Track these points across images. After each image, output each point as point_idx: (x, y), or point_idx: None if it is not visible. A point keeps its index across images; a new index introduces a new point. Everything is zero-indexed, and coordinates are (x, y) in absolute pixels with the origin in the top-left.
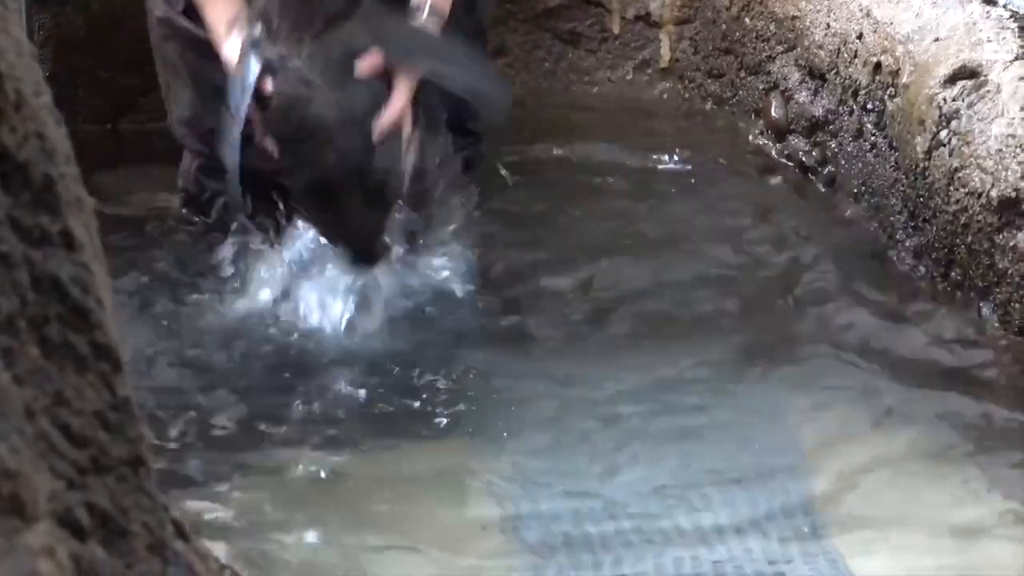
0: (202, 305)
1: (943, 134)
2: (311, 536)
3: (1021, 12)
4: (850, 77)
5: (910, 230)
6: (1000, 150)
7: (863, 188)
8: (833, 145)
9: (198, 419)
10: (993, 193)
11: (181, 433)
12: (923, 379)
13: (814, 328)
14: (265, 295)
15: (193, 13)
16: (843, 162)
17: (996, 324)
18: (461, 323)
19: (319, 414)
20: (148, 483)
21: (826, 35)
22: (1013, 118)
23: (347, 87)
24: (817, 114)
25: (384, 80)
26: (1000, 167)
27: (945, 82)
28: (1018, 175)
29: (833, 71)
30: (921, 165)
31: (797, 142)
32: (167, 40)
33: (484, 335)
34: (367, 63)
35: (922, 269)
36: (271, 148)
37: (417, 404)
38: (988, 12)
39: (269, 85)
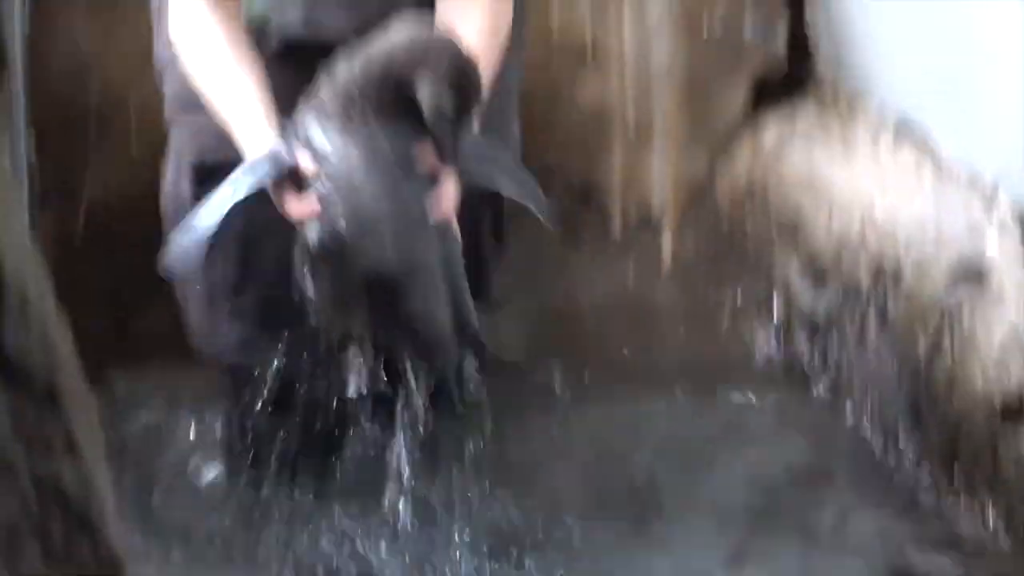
0: None
1: (945, 338)
2: None
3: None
4: (852, 278)
5: (913, 433)
6: (1003, 352)
7: (865, 390)
8: (835, 346)
9: None
10: (998, 399)
11: None
12: None
13: (816, 528)
14: None
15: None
16: (845, 363)
17: (1002, 531)
18: None
19: None
20: None
21: (828, 236)
22: (1016, 321)
23: (401, 177)
24: (819, 316)
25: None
26: (1003, 371)
27: (947, 284)
28: (1021, 379)
29: (835, 272)
30: (922, 368)
31: (799, 343)
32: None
33: None
34: (424, 154)
35: (925, 473)
36: (314, 212)
37: None
38: (990, 211)
39: (318, 163)
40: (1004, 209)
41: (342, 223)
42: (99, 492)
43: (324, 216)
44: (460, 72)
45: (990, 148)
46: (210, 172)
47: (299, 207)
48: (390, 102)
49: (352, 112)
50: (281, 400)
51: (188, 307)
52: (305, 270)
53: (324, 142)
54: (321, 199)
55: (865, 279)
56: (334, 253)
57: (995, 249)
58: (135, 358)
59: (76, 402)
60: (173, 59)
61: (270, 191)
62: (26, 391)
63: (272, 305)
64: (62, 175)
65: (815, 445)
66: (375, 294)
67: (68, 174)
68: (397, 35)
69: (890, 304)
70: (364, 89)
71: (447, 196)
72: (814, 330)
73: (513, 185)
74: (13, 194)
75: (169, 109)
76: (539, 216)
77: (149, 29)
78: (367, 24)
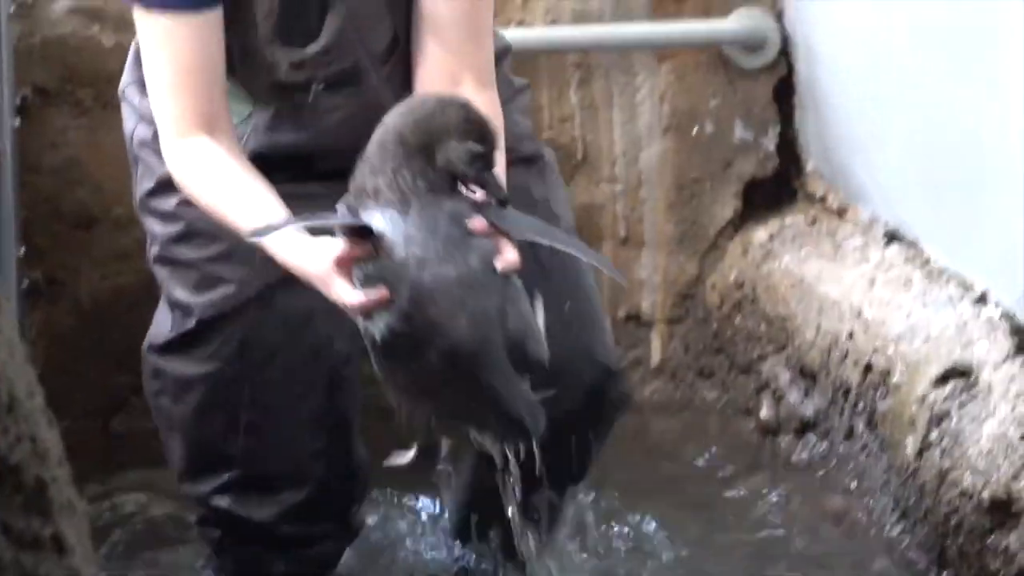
0: None
1: (934, 434)
2: None
3: (1011, 312)
4: (841, 377)
5: (902, 530)
6: (991, 451)
7: (854, 488)
8: (824, 445)
9: None
10: (985, 495)
11: None
12: None
13: None
14: None
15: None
16: (834, 461)
17: None
18: None
19: None
20: None
21: (817, 335)
22: (1004, 418)
23: (467, 237)
24: (808, 414)
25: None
26: (991, 468)
27: (936, 382)
28: (1009, 476)
29: (824, 371)
30: (912, 465)
31: (788, 442)
32: (159, 394)
33: None
34: (477, 223)
35: (913, 565)
36: (384, 298)
37: None
38: (979, 312)
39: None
40: (992, 311)
41: (415, 304)
42: None
43: (394, 301)
44: (474, 120)
45: (979, 254)
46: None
47: (360, 298)
48: (430, 173)
49: (401, 190)
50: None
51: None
52: (378, 363)
53: (383, 224)
54: (386, 283)
55: (855, 378)
56: (411, 337)
57: (983, 349)
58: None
59: (64, 501)
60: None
61: (320, 285)
62: (15, 490)
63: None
64: (51, 271)
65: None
66: (457, 374)
67: (57, 270)
68: (412, 109)
69: (879, 402)
70: (406, 166)
71: (508, 250)
72: (803, 428)
73: (570, 243)
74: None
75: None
76: (605, 271)
77: None
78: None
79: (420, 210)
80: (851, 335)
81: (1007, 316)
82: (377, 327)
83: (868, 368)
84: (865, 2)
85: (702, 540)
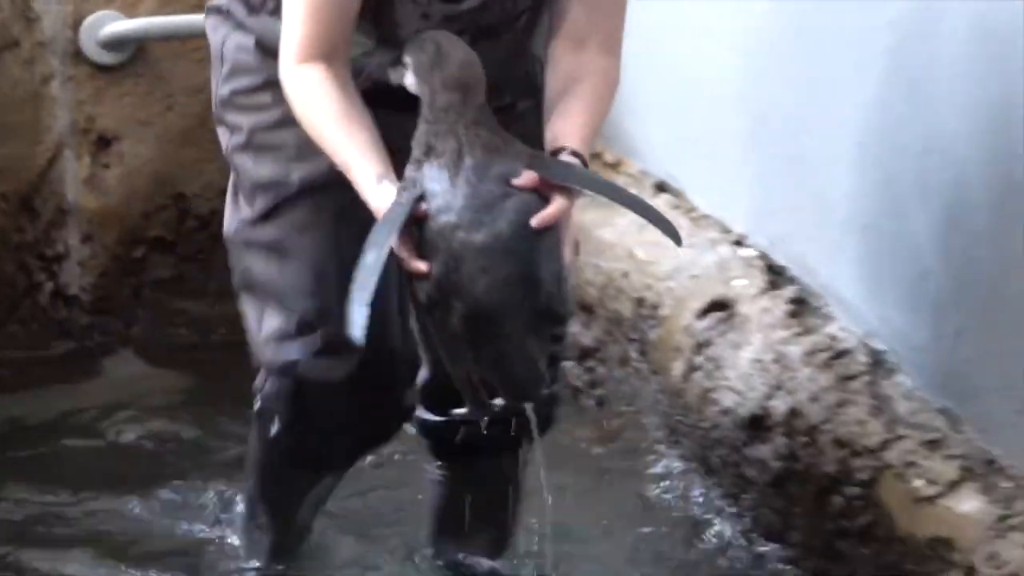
0: None
1: (698, 359)
2: None
3: (765, 252)
4: (615, 310)
5: (669, 443)
6: (748, 373)
7: (629, 408)
8: (602, 370)
9: None
10: (742, 412)
11: None
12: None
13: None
14: None
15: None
16: (611, 385)
17: (746, 526)
18: None
19: None
20: None
21: (595, 274)
22: (759, 345)
23: (505, 199)
24: (587, 343)
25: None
26: (748, 388)
27: (699, 314)
28: (763, 395)
29: (601, 306)
30: (679, 387)
31: (571, 367)
32: (247, 270)
33: None
34: (525, 177)
35: (682, 481)
36: (422, 271)
37: None
38: (736, 253)
39: (426, 207)
40: (748, 252)
41: (444, 271)
42: None
43: (443, 260)
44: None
45: (737, 202)
46: None
47: (415, 260)
48: (482, 125)
49: (456, 149)
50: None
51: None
52: (423, 319)
53: (433, 188)
54: (428, 247)
55: (627, 311)
56: (439, 301)
57: (740, 285)
58: None
59: None
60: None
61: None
62: None
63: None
64: None
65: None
66: (475, 337)
67: None
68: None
69: (649, 332)
70: (461, 122)
71: (550, 204)
72: (584, 355)
73: (621, 195)
74: None
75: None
76: (659, 229)
77: None
78: None
79: (471, 170)
80: (625, 274)
81: (761, 256)
82: (419, 287)
83: (640, 302)
84: None
85: None
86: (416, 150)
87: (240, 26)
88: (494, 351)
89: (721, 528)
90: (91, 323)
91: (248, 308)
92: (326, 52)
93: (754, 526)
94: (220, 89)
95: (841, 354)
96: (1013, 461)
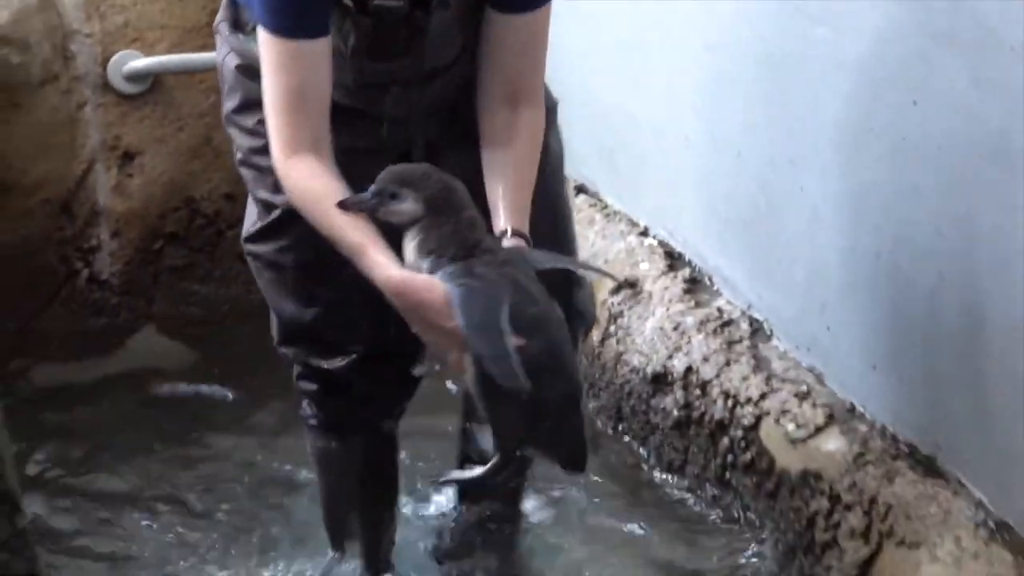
0: None
1: (612, 328)
2: None
3: (665, 241)
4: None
5: (591, 396)
6: (652, 339)
7: None
8: None
9: None
10: (648, 370)
11: None
12: (606, 498)
13: None
14: None
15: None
16: None
17: (652, 462)
18: None
19: None
20: None
21: None
22: (660, 316)
23: (540, 294)
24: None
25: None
26: (652, 351)
27: (612, 291)
28: (665, 356)
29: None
30: (597, 351)
31: None
32: (258, 274)
33: None
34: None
35: (599, 424)
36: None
37: None
38: (642, 242)
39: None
40: (651, 241)
41: (556, 348)
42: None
43: (541, 341)
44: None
45: (642, 201)
46: None
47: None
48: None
49: (461, 257)
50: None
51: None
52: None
53: (450, 292)
54: (530, 327)
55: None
56: (553, 373)
57: (645, 268)
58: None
59: None
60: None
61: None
62: None
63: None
64: None
65: None
66: (574, 407)
67: None
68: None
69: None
70: (458, 237)
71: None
72: None
73: (577, 264)
74: None
75: None
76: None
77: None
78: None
79: (517, 270)
80: None
81: (662, 245)
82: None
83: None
84: None
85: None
86: (447, 248)
87: (227, 44)
88: (574, 424)
89: (633, 463)
90: (119, 303)
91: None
92: (311, 143)
93: (659, 462)
94: (224, 105)
95: (727, 323)
96: (867, 409)
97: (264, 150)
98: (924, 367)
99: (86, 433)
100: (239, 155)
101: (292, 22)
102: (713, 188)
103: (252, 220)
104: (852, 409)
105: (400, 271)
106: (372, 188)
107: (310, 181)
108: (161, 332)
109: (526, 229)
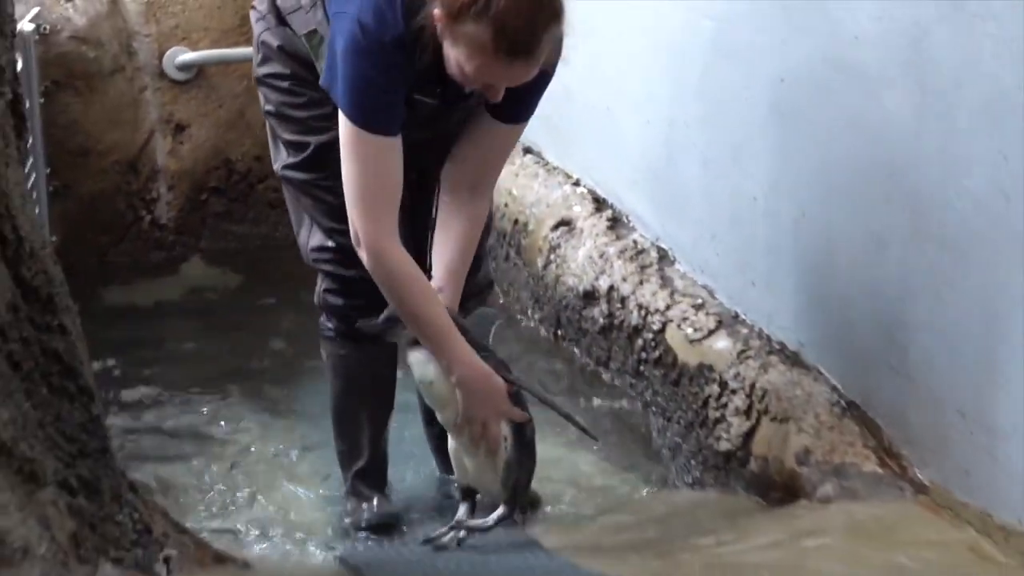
0: None
1: (552, 256)
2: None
3: (593, 190)
4: (501, 227)
5: (534, 310)
6: (583, 264)
7: (508, 287)
8: (493, 264)
9: None
10: (580, 288)
11: None
12: (548, 385)
13: None
14: None
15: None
16: (498, 273)
17: (585, 360)
18: None
19: None
20: (112, 461)
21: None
22: (589, 247)
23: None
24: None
25: None
26: (583, 273)
27: (552, 228)
28: (593, 278)
29: (493, 225)
30: (540, 274)
31: None
32: (294, 186)
33: None
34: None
35: (542, 331)
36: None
37: None
38: (575, 189)
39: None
40: (583, 189)
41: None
42: (80, 354)
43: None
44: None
45: (574, 157)
46: None
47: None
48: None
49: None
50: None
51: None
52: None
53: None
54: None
55: (508, 227)
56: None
57: (578, 210)
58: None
59: (64, 305)
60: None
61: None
62: (35, 300)
63: None
64: (64, 181)
65: None
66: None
67: (68, 180)
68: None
69: (522, 240)
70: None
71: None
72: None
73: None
74: (22, 182)
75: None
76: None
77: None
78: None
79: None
80: (506, 204)
81: (591, 192)
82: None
83: (515, 221)
84: None
85: None
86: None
87: (270, 28)
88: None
89: (567, 358)
90: (175, 240)
91: (294, 221)
92: (392, 232)
93: (588, 358)
94: (256, 71)
95: (640, 252)
96: (748, 316)
97: (305, 105)
98: (792, 283)
99: (150, 342)
100: (269, 107)
101: (378, 120)
102: (628, 147)
103: (284, 156)
104: (736, 316)
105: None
106: (383, 315)
107: (407, 267)
108: (207, 262)
109: (456, 303)
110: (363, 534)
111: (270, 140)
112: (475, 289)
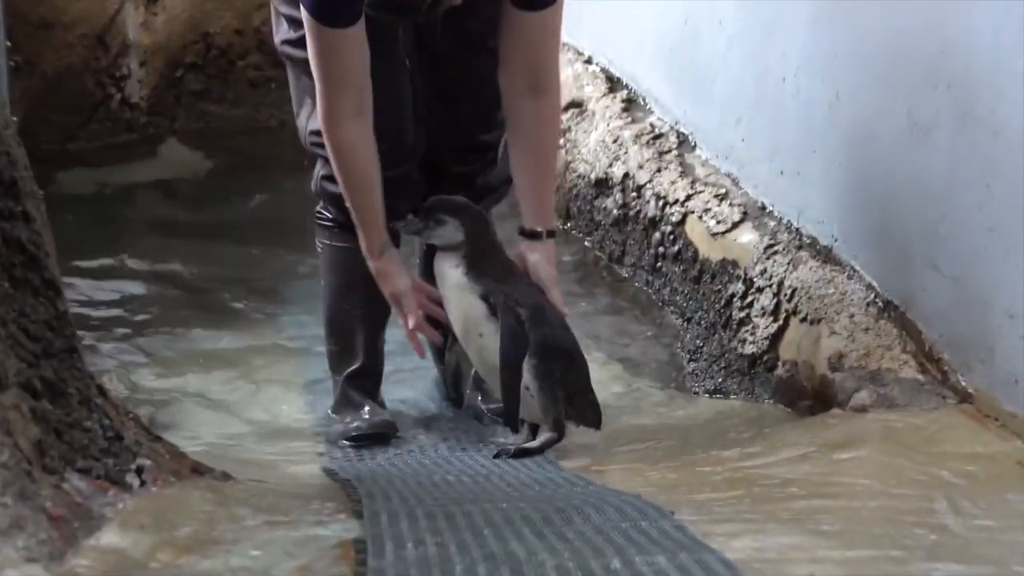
0: None
1: (561, 141)
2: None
3: (606, 67)
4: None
5: None
6: (595, 150)
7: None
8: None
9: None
10: (592, 176)
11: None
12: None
13: None
14: None
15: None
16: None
17: (597, 252)
18: None
19: None
20: (80, 362)
21: None
22: (602, 131)
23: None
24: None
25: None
26: (595, 160)
27: (563, 109)
28: (606, 165)
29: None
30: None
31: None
32: (294, 63)
33: None
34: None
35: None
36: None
37: None
38: (587, 67)
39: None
40: (594, 67)
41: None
42: (44, 244)
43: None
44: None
45: (586, 32)
46: None
47: None
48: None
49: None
50: None
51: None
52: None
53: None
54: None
55: None
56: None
57: (589, 90)
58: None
59: (28, 191)
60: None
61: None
62: None
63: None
64: (27, 56)
65: None
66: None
67: (30, 55)
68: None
69: None
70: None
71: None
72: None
73: None
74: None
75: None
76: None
77: None
78: None
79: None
80: None
81: (604, 71)
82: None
83: None
84: None
85: None
86: (488, 268)
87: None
88: (588, 396)
89: (577, 252)
90: (147, 121)
91: (295, 102)
92: (360, 110)
93: (601, 251)
94: (276, 36)
95: (658, 136)
96: (776, 207)
97: None
98: (823, 171)
99: (121, 223)
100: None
101: (330, 11)
102: (644, 20)
103: (284, 30)
104: (763, 207)
105: (381, 262)
106: (420, 215)
107: (354, 152)
108: (183, 143)
109: (552, 226)
110: (351, 444)
111: (272, 13)
112: (491, 186)
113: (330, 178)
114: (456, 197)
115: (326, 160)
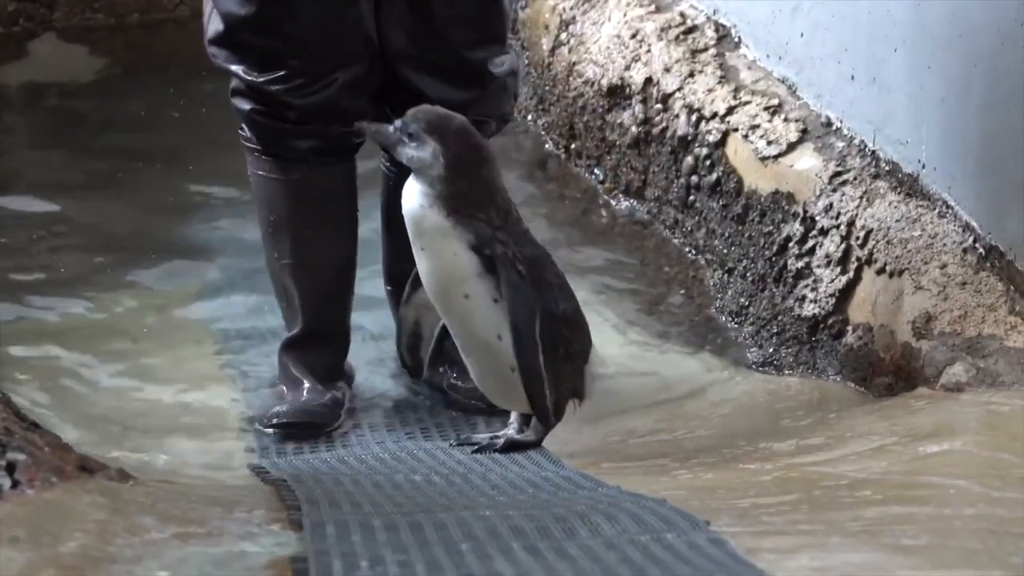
0: None
1: (563, 35)
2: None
3: None
4: None
5: (538, 113)
6: (608, 48)
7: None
8: None
9: None
10: (603, 82)
11: None
12: (558, 228)
13: None
14: None
15: None
16: None
17: (608, 185)
18: None
19: None
20: None
21: None
22: (618, 22)
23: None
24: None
25: None
26: (608, 61)
27: None
28: (622, 68)
29: None
30: (546, 61)
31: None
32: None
33: None
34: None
35: (548, 144)
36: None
37: None
38: None
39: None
40: None
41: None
42: None
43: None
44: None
45: None
46: None
47: None
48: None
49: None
50: None
51: None
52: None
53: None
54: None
55: None
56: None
57: None
58: None
59: None
60: None
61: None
62: None
63: None
64: None
65: None
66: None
67: None
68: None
69: (520, 12)
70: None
71: None
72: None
73: None
74: None
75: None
76: None
77: None
78: None
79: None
80: None
81: None
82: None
83: None
84: None
85: None
86: (475, 210)
87: None
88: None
89: (587, 185)
90: (16, 10)
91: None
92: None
93: (616, 184)
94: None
95: (691, 30)
96: (845, 123)
97: None
98: (908, 74)
99: None
100: None
101: None
102: None
103: None
104: (828, 123)
105: None
106: (397, 122)
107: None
108: (63, 39)
109: None
110: (274, 433)
111: None
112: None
113: (239, 92)
114: (453, 114)
115: (233, 75)
